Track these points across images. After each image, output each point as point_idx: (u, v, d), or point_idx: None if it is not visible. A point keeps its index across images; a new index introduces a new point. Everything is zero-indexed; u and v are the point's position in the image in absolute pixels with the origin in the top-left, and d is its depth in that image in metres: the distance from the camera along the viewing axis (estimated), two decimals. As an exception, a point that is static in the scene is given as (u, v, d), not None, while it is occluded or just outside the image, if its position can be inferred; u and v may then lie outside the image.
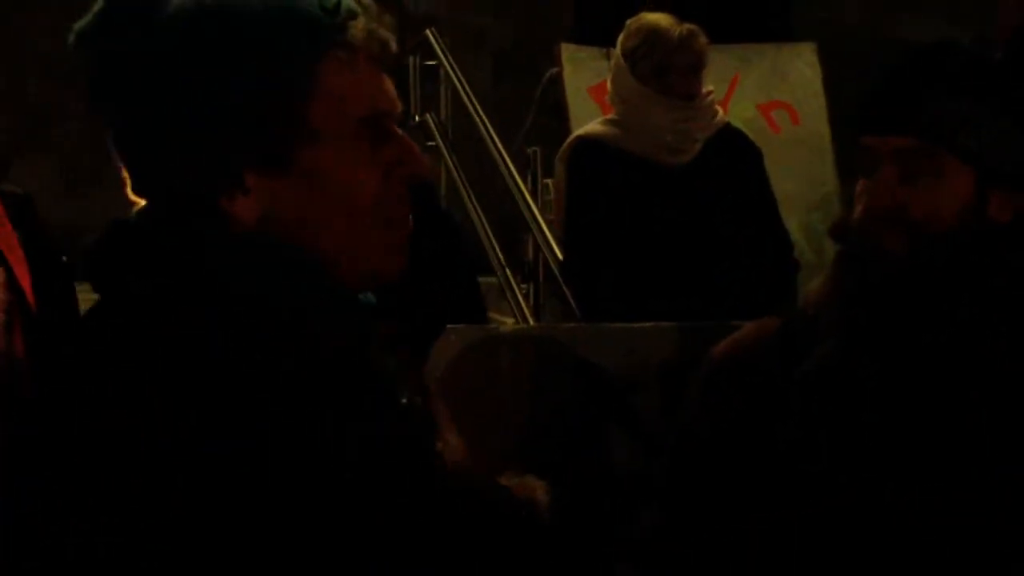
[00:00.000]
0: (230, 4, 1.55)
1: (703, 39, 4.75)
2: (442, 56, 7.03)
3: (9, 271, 4.06)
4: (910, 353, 2.05)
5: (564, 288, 5.16)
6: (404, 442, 1.55)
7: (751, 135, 5.16)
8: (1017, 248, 2.07)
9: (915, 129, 2.06)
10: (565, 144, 4.91)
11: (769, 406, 2.09)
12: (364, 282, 1.64)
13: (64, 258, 5.04)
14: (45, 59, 10.45)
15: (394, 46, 1.63)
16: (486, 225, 6.29)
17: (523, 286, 6.14)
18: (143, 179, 1.61)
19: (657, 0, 5.45)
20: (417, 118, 7.00)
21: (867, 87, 2.15)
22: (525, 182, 6.16)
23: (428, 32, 7.11)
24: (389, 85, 1.63)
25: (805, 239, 5.86)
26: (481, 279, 6.46)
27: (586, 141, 4.81)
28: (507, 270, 6.13)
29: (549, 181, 5.61)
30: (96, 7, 1.60)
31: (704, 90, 4.80)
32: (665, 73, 4.70)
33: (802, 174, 6.59)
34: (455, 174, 6.70)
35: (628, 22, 4.82)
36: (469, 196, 6.45)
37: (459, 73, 6.91)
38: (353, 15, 1.59)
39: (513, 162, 6.21)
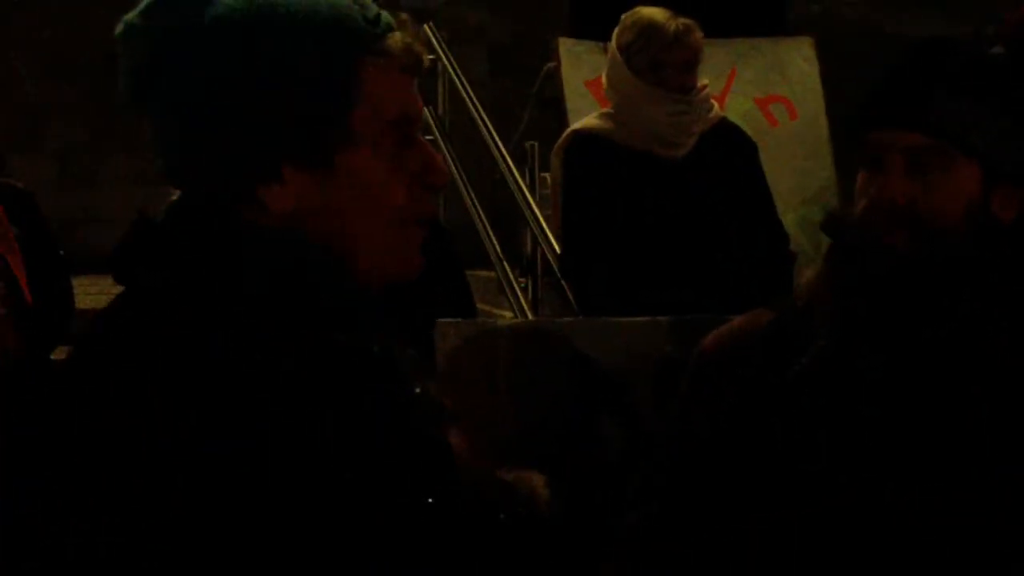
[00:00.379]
0: (275, 8, 1.60)
1: (698, 33, 4.76)
2: (440, 51, 7.03)
3: (3, 262, 4.07)
4: (910, 348, 2.05)
5: (562, 282, 5.16)
6: (414, 439, 1.56)
7: (749, 129, 5.16)
8: (1020, 245, 2.08)
9: (923, 125, 2.06)
10: (561, 138, 4.92)
11: (761, 399, 2.09)
12: (381, 281, 1.68)
13: (61, 252, 5.06)
14: (40, 58, 10.46)
15: (426, 60, 1.70)
16: (484, 219, 6.29)
17: (521, 280, 6.14)
18: (182, 167, 1.64)
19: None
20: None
21: (869, 82, 2.15)
22: (523, 176, 6.16)
23: (426, 27, 7.11)
24: (417, 95, 1.69)
25: (802, 232, 5.86)
26: (479, 273, 6.47)
27: (582, 135, 4.81)
28: (505, 264, 6.13)
29: (546, 175, 5.61)
30: (145, 2, 1.64)
31: (699, 84, 4.80)
32: (660, 67, 4.70)
33: (799, 168, 6.59)
34: (453, 168, 6.70)
35: (624, 16, 4.82)
36: (467, 190, 6.45)
37: (457, 67, 6.91)
38: (391, 28, 1.65)
39: (511, 156, 6.22)
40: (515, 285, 6.06)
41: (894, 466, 2.02)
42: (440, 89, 7.20)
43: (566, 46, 6.76)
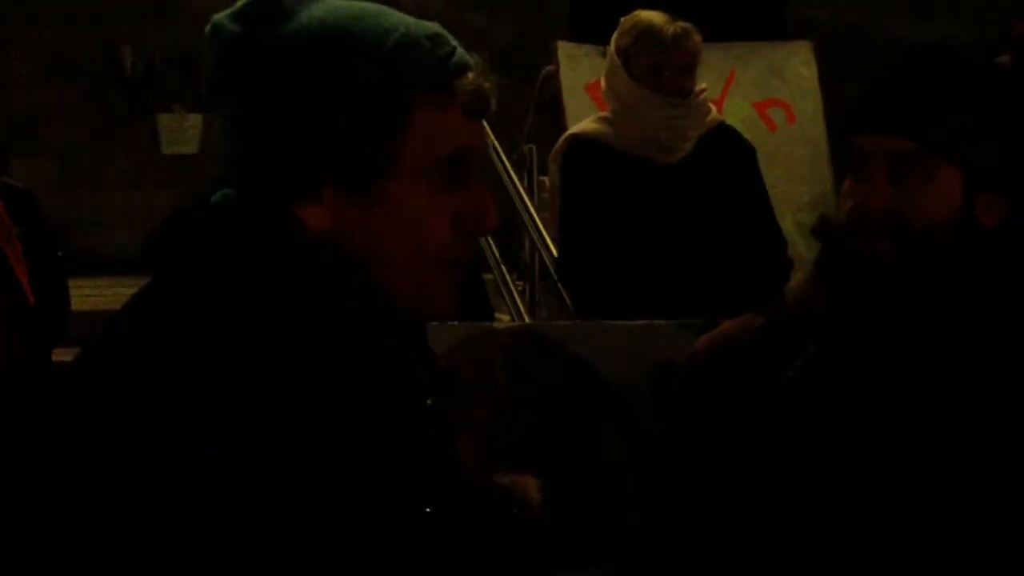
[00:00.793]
0: (348, 31, 1.63)
1: (697, 37, 4.75)
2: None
3: (5, 261, 4.07)
4: (898, 356, 2.05)
5: (559, 285, 5.16)
6: (415, 442, 1.57)
7: (747, 133, 5.16)
8: (1003, 252, 2.08)
9: (907, 131, 2.06)
10: (559, 142, 4.92)
11: (753, 404, 2.10)
12: (417, 315, 1.68)
13: (59, 253, 5.07)
14: (40, 59, 10.47)
15: (494, 104, 1.70)
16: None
17: (519, 283, 6.15)
18: (235, 168, 1.67)
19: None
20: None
21: (861, 87, 2.16)
22: (521, 180, 6.17)
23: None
24: (481, 132, 1.70)
25: (800, 237, 5.86)
26: (477, 276, 6.48)
27: (579, 139, 4.82)
28: (503, 267, 6.14)
29: (544, 179, 5.61)
30: (234, 6, 1.68)
31: (697, 88, 4.80)
32: (658, 71, 4.70)
33: (798, 172, 6.60)
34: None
35: (622, 20, 4.82)
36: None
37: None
38: (463, 68, 1.66)
39: (509, 160, 6.22)
40: (512, 288, 6.07)
41: (888, 469, 2.02)
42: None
43: (565, 50, 6.76)
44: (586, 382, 3.67)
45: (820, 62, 7.04)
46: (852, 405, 2.04)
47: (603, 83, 4.94)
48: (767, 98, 6.92)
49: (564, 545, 1.83)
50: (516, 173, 6.14)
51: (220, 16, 1.67)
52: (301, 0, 1.65)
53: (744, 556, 2.08)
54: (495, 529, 1.68)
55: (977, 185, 2.07)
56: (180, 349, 1.53)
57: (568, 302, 5.01)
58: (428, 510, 1.54)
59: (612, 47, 4.80)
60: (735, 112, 6.46)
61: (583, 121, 5.02)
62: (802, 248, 5.84)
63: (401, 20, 1.66)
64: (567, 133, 4.99)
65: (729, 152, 4.85)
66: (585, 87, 6.55)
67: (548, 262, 5.46)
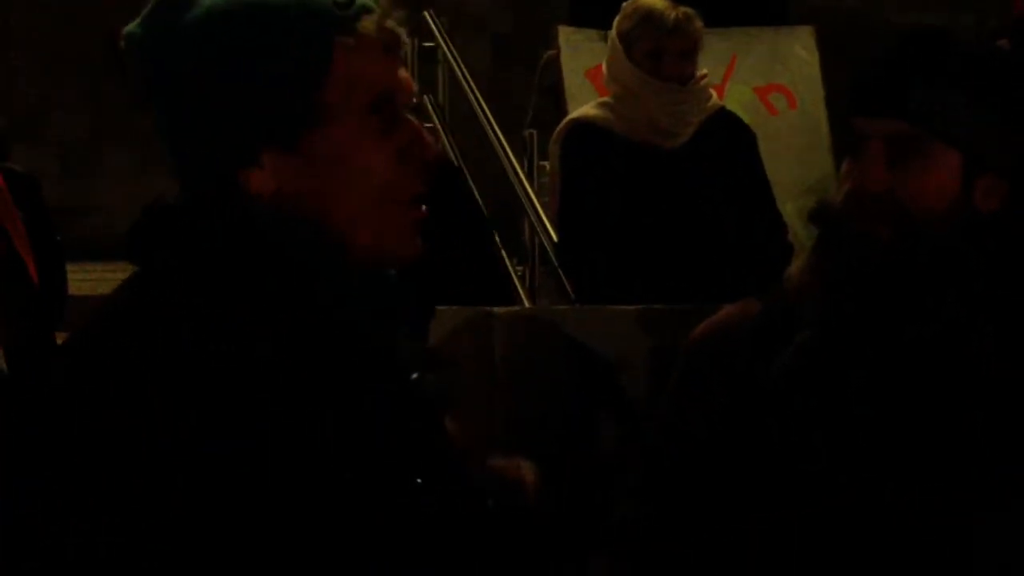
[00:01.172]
0: (251, 4, 1.67)
1: (698, 22, 4.75)
2: (440, 38, 7.03)
3: (10, 244, 4.07)
4: (896, 344, 2.05)
5: (559, 270, 5.16)
6: (410, 436, 1.59)
7: (748, 118, 5.16)
8: (1001, 236, 2.07)
9: (905, 113, 2.05)
10: (559, 127, 4.92)
11: (750, 394, 2.09)
12: (380, 262, 1.70)
13: (58, 238, 5.07)
14: (40, 52, 10.46)
15: (405, 38, 1.73)
16: (483, 207, 6.30)
17: (519, 268, 6.15)
18: (179, 161, 1.70)
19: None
20: (415, 100, 6.99)
21: (859, 69, 2.15)
22: (522, 165, 6.16)
23: (426, 13, 7.11)
24: (402, 72, 1.72)
25: (800, 222, 5.85)
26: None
27: (580, 124, 4.81)
28: (503, 252, 6.14)
29: (545, 163, 5.61)
30: (141, 13, 1.72)
31: (699, 73, 4.80)
32: (659, 56, 4.70)
33: (798, 157, 6.59)
34: (452, 156, 6.71)
35: (624, 4, 4.82)
36: (466, 178, 6.46)
37: (456, 55, 6.91)
38: (366, 10, 1.69)
39: (510, 144, 6.22)
40: (513, 272, 6.07)
41: (887, 465, 2.01)
42: (440, 77, 7.20)
43: (566, 35, 6.75)
44: (585, 367, 3.67)
45: (821, 47, 7.03)
46: (850, 398, 2.03)
47: (604, 68, 4.94)
48: (768, 83, 6.90)
49: (556, 532, 1.82)
50: (516, 158, 6.13)
51: (129, 27, 1.72)
52: None
53: (744, 555, 2.07)
54: (488, 513, 1.68)
55: (976, 169, 2.06)
56: (178, 346, 1.55)
57: (568, 287, 5.01)
58: (421, 495, 1.55)
59: (614, 32, 4.80)
60: (736, 97, 6.45)
61: (584, 106, 5.02)
62: (802, 233, 5.83)
63: None
64: (567, 118, 4.99)
65: (730, 138, 4.85)
66: (586, 72, 6.54)
67: (548, 247, 5.46)
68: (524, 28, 9.91)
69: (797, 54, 6.99)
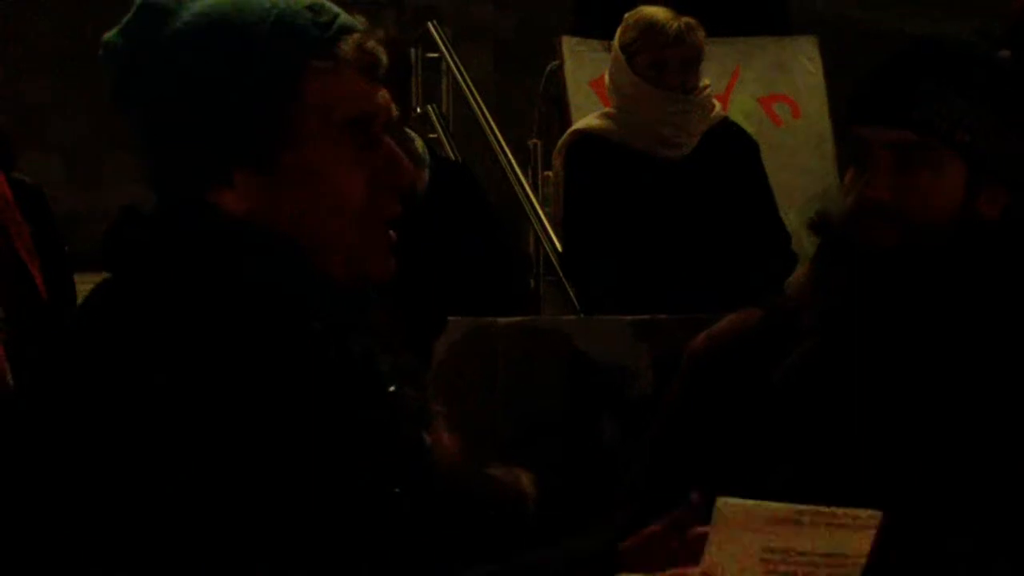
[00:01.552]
0: (231, 18, 1.66)
1: (700, 32, 4.76)
2: (444, 48, 7.03)
3: (18, 258, 4.08)
4: (896, 348, 2.05)
5: (564, 280, 5.17)
6: (384, 434, 1.59)
7: (752, 128, 5.16)
8: (1004, 243, 2.08)
9: (910, 122, 2.06)
10: (562, 138, 4.92)
11: (751, 403, 2.09)
12: (354, 282, 1.69)
13: (65, 248, 5.07)
14: (45, 57, 10.47)
15: (384, 59, 1.72)
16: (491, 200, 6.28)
17: (524, 278, 6.15)
18: (152, 174, 1.70)
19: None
20: (419, 110, 7.01)
21: (863, 78, 2.15)
22: (526, 175, 6.17)
23: (430, 24, 7.12)
24: (381, 94, 1.71)
25: (805, 232, 5.85)
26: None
27: (583, 135, 4.82)
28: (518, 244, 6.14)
29: (549, 173, 5.61)
30: (123, 19, 1.71)
31: (701, 84, 4.80)
32: (661, 66, 4.70)
33: (802, 167, 6.58)
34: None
35: (626, 15, 4.83)
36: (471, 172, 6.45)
37: (460, 65, 6.92)
38: (347, 30, 1.69)
39: (514, 154, 6.22)
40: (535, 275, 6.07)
41: (888, 470, 2.01)
42: (444, 87, 7.20)
43: (569, 45, 6.74)
44: (589, 376, 3.68)
45: (825, 57, 7.03)
46: (851, 407, 2.04)
47: (607, 79, 4.95)
48: (772, 93, 6.90)
49: (553, 540, 1.83)
50: (521, 168, 6.14)
51: (109, 35, 1.71)
52: (181, 0, 1.68)
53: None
54: (485, 521, 1.69)
55: (980, 176, 2.07)
56: (160, 345, 1.55)
57: (573, 297, 5.01)
58: (403, 501, 1.56)
59: (616, 42, 4.80)
60: (740, 108, 6.45)
61: (587, 117, 5.02)
62: (807, 243, 5.83)
63: None
64: (570, 129, 5.00)
65: (733, 148, 4.85)
66: (590, 82, 6.54)
67: (552, 257, 5.46)
68: (528, 39, 9.91)
69: (801, 64, 6.99)
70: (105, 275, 1.71)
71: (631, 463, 2.30)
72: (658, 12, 4.76)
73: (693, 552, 1.62)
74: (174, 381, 1.53)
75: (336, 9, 1.70)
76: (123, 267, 1.66)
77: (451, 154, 6.73)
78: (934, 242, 2.04)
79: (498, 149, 6.21)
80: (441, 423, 1.75)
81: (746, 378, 2.10)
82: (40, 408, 1.60)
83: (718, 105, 4.96)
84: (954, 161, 2.06)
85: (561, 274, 5.24)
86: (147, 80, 1.66)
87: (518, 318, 5.02)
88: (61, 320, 4.76)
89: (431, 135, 6.86)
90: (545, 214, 5.66)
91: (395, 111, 1.74)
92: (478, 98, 6.58)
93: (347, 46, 1.67)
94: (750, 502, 1.56)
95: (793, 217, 5.49)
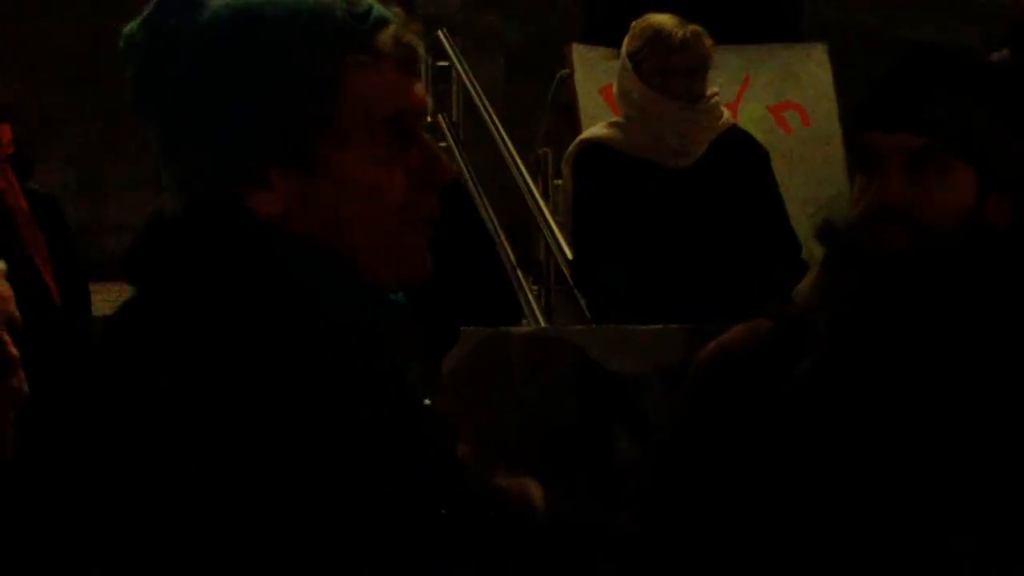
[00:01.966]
0: (261, 11, 1.59)
1: (707, 40, 4.75)
2: (454, 57, 7.04)
3: (33, 268, 4.09)
4: (905, 356, 2.05)
5: (575, 290, 5.17)
6: (417, 445, 1.56)
7: (762, 136, 5.16)
8: (1013, 250, 2.08)
9: (921, 128, 2.06)
10: (570, 148, 4.93)
11: (759, 411, 2.09)
12: (390, 284, 1.65)
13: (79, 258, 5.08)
14: (58, 64, 10.49)
15: (422, 52, 1.66)
16: (497, 226, 6.30)
17: (534, 287, 6.15)
18: (178, 177, 1.63)
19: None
20: (429, 119, 7.02)
21: (873, 84, 2.15)
22: (536, 183, 6.17)
23: (440, 33, 7.12)
24: (418, 88, 1.66)
25: (814, 240, 5.85)
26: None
27: (591, 144, 4.82)
28: (518, 271, 6.14)
29: (559, 182, 5.62)
30: (142, 14, 1.64)
31: (710, 91, 4.80)
32: (667, 74, 4.70)
33: (812, 175, 6.60)
34: (467, 175, 6.71)
35: (633, 23, 4.83)
36: (480, 197, 6.46)
37: (470, 74, 6.92)
38: (383, 23, 1.62)
39: (524, 163, 6.23)
40: (528, 292, 6.07)
41: (901, 478, 2.01)
42: (454, 95, 7.21)
43: (579, 52, 6.76)
44: (600, 386, 3.67)
45: (835, 64, 7.03)
46: (863, 415, 2.04)
47: (615, 87, 4.95)
48: (782, 101, 6.91)
49: (563, 550, 1.82)
50: (531, 177, 6.14)
51: (130, 27, 1.64)
52: None
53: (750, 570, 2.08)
54: (494, 530, 1.68)
55: (989, 183, 2.07)
56: (183, 357, 1.52)
57: (583, 306, 5.02)
58: (435, 512, 1.53)
59: (624, 50, 4.81)
60: (750, 115, 6.46)
61: (594, 126, 5.03)
62: (817, 251, 5.83)
63: None
64: (578, 139, 5.00)
65: (742, 156, 4.85)
66: (600, 90, 6.55)
67: (563, 266, 5.46)
68: (538, 47, 9.91)
69: (811, 71, 7.00)
70: (111, 284, 1.68)
71: (637, 467, 2.30)
72: (664, 20, 4.76)
73: None
74: (229, 399, 1.49)
75: (371, 0, 1.64)
76: (158, 281, 1.60)
77: (461, 163, 6.75)
78: (945, 246, 2.04)
79: (508, 158, 6.21)
80: (457, 437, 1.74)
81: (755, 387, 2.10)
82: (79, 428, 1.57)
83: (727, 113, 4.96)
84: (964, 168, 2.06)
85: (572, 283, 5.24)
86: (176, 76, 1.59)
87: (532, 328, 5.03)
88: (74, 326, 4.78)
89: (442, 144, 6.87)
90: (555, 222, 5.66)
91: (430, 105, 1.69)
92: (488, 107, 6.58)
93: (385, 38, 1.62)
94: None
95: (803, 225, 5.49)
